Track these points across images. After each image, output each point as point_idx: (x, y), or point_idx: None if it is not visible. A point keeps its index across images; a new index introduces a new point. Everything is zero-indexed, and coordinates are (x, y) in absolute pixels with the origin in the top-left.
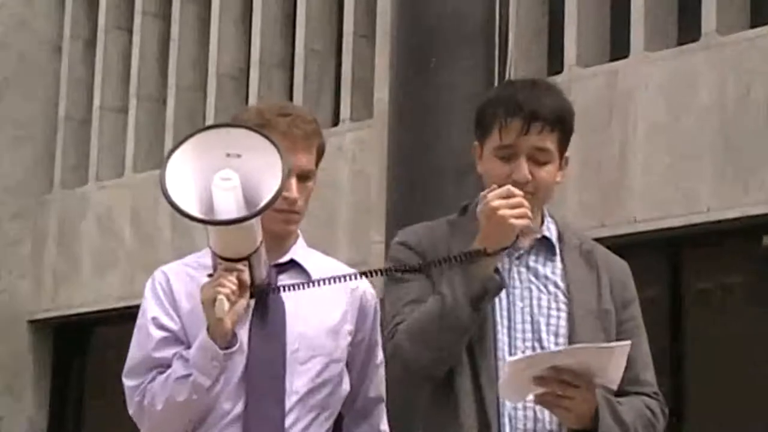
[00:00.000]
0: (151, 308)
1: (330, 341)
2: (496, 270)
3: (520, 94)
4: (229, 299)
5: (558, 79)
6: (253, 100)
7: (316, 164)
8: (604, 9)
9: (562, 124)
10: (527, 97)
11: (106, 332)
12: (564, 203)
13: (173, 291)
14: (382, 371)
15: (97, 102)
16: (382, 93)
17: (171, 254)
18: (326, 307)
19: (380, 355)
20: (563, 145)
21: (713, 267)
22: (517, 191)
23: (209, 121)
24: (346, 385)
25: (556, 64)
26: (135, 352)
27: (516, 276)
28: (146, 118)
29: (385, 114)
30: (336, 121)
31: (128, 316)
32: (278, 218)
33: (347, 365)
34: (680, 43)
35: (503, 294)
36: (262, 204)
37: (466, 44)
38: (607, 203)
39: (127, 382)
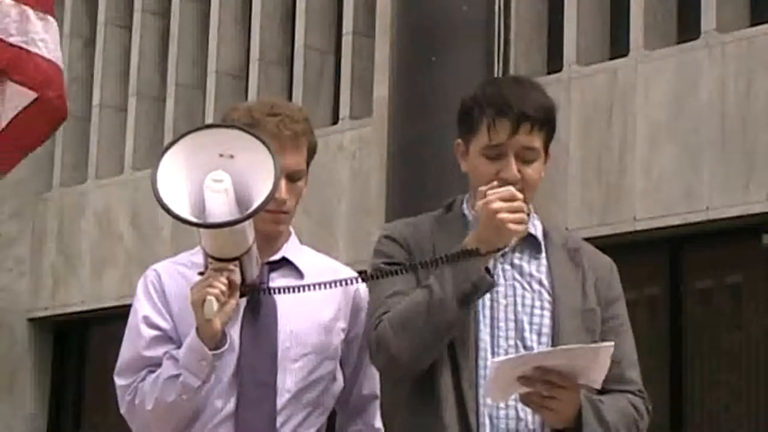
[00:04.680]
0: (142, 307)
1: (322, 338)
2: (487, 269)
3: (508, 93)
4: (218, 300)
5: (558, 78)
6: (252, 97)
7: (308, 164)
8: (604, 7)
9: (548, 122)
10: (515, 95)
11: (104, 330)
12: (565, 202)
13: (165, 290)
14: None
15: (96, 100)
16: (381, 91)
17: (170, 253)
18: (319, 305)
19: None
20: (548, 141)
21: (713, 266)
22: (518, 194)
23: (209, 119)
24: (339, 382)
25: (555, 62)
26: (126, 351)
27: (500, 273)
28: (146, 115)
29: (384, 112)
30: (335, 119)
31: (127, 314)
32: (267, 219)
33: (341, 362)
34: (680, 42)
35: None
36: (253, 208)
37: (466, 42)
38: (608, 202)
39: (119, 381)
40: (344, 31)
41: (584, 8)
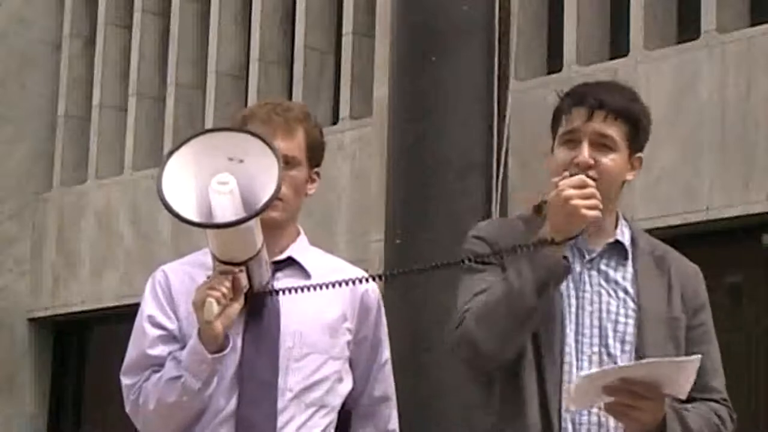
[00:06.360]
0: (148, 307)
1: (326, 338)
2: (565, 257)
3: (590, 88)
4: (219, 302)
5: (558, 78)
6: (252, 97)
7: (310, 158)
8: (604, 7)
9: (628, 117)
10: (595, 88)
11: (104, 330)
12: None
13: (172, 290)
14: (388, 369)
15: (96, 100)
16: (381, 91)
17: (170, 253)
18: (323, 305)
19: (386, 354)
20: (632, 140)
21: (713, 266)
22: (590, 182)
23: (209, 119)
24: (347, 383)
25: (555, 62)
26: (132, 351)
27: (587, 279)
28: (146, 115)
29: (384, 112)
30: (335, 119)
31: (127, 314)
32: None
33: (351, 364)
34: (680, 42)
35: (573, 298)
36: (257, 208)
37: (466, 42)
38: None
39: (124, 381)
40: (344, 31)
41: (584, 8)
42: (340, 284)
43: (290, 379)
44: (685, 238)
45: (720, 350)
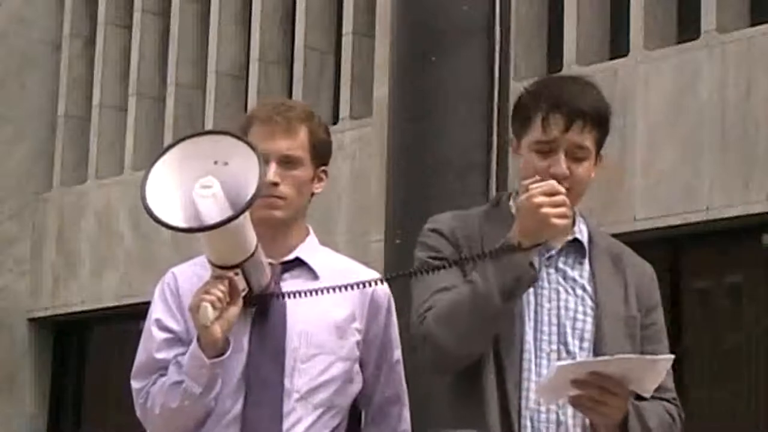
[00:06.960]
0: (156, 310)
1: (334, 339)
2: (531, 263)
3: (564, 89)
4: (214, 306)
5: None
6: (252, 97)
7: (314, 156)
8: (604, 7)
9: (601, 123)
10: (571, 92)
11: (104, 330)
12: None
13: (180, 292)
14: (399, 370)
15: (96, 100)
16: (381, 91)
17: (170, 252)
18: (331, 305)
19: (396, 354)
20: (600, 143)
21: (713, 266)
22: (560, 188)
23: (209, 119)
24: (357, 383)
25: (555, 62)
26: (140, 354)
27: (545, 277)
28: (145, 115)
29: (384, 112)
30: (335, 119)
31: (127, 314)
32: (260, 204)
33: (361, 364)
34: (680, 42)
35: (531, 295)
36: (239, 208)
37: (466, 42)
38: (607, 202)
39: (134, 384)
40: (344, 31)
41: (584, 8)
42: (343, 288)
43: (297, 380)
44: (685, 238)
45: (720, 350)
